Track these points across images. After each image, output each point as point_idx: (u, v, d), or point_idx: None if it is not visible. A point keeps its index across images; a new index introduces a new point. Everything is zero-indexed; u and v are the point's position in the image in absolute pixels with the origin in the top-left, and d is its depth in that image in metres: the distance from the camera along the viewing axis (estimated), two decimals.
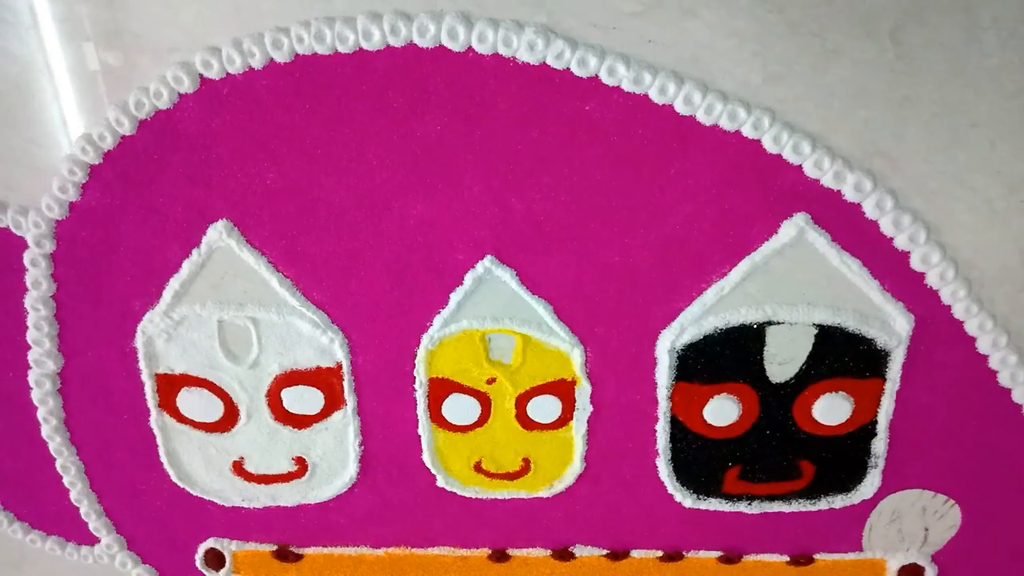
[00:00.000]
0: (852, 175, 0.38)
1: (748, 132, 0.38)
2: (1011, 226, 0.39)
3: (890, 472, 0.46)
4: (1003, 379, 0.43)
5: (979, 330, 0.41)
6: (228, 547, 0.52)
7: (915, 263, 0.40)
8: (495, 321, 0.43)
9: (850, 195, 0.39)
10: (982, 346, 0.42)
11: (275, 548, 0.52)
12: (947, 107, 0.37)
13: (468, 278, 0.42)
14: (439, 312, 0.43)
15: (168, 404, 0.47)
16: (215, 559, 0.52)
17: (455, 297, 0.43)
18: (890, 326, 0.42)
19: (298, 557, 0.52)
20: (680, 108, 0.38)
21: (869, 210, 0.39)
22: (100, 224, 0.42)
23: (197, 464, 0.49)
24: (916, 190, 0.39)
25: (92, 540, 0.53)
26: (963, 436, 0.44)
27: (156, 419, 0.47)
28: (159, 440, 0.48)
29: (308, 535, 0.51)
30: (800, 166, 0.39)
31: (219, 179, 0.41)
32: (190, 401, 0.47)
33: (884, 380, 0.43)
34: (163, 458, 0.49)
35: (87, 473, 0.50)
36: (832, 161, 0.38)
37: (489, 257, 0.42)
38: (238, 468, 0.49)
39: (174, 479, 0.49)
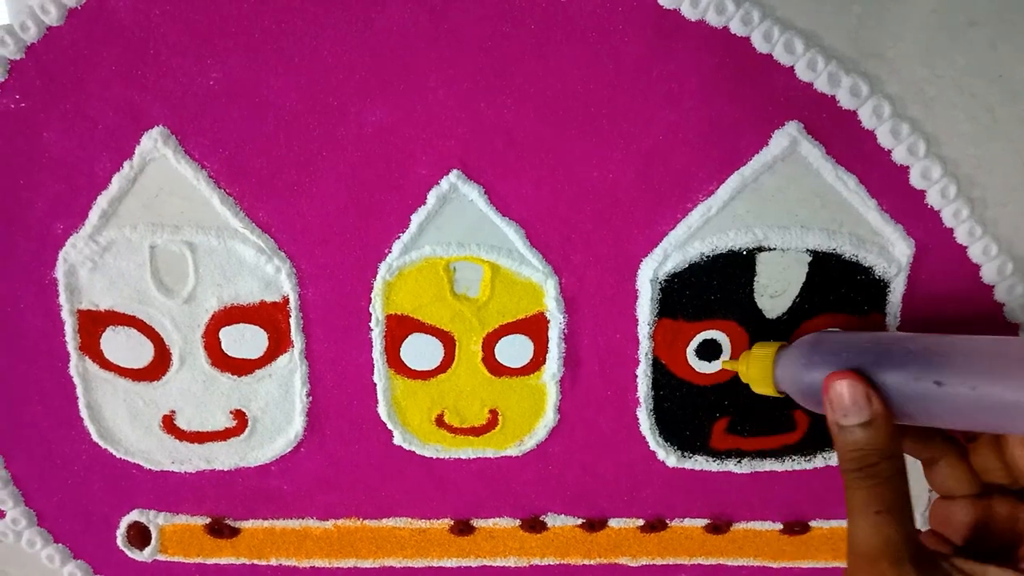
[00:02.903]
0: (847, 78, 0.36)
1: (736, 28, 0.35)
2: (1014, 138, 0.37)
3: None
4: (1010, 312, 0.39)
5: (983, 256, 0.38)
6: (154, 520, 0.46)
7: (914, 179, 0.37)
8: (461, 247, 0.39)
9: (845, 101, 0.36)
10: (987, 275, 0.39)
11: (208, 521, 0.46)
12: (944, 3, 0.35)
13: (432, 196, 0.38)
14: (399, 236, 0.39)
15: (91, 347, 0.42)
16: (139, 536, 0.46)
17: (417, 218, 0.39)
18: (889, 252, 0.39)
19: (234, 532, 0.46)
20: (664, 0, 0.35)
21: (865, 118, 0.36)
22: (19, 130, 0.38)
23: (122, 419, 0.43)
24: (914, 96, 0.36)
25: None
26: None
27: (76, 364, 0.42)
28: (79, 390, 0.43)
29: (246, 506, 0.45)
30: (792, 68, 0.36)
31: (156, 79, 0.37)
32: (116, 343, 0.41)
33: (883, 315, 0.40)
34: (83, 412, 0.43)
35: None
36: (826, 62, 0.35)
37: (455, 172, 0.38)
38: (168, 424, 0.43)
39: (95, 437, 0.43)
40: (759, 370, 0.37)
